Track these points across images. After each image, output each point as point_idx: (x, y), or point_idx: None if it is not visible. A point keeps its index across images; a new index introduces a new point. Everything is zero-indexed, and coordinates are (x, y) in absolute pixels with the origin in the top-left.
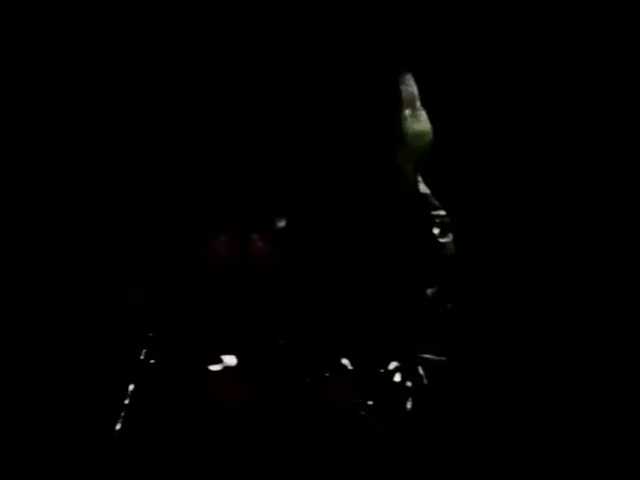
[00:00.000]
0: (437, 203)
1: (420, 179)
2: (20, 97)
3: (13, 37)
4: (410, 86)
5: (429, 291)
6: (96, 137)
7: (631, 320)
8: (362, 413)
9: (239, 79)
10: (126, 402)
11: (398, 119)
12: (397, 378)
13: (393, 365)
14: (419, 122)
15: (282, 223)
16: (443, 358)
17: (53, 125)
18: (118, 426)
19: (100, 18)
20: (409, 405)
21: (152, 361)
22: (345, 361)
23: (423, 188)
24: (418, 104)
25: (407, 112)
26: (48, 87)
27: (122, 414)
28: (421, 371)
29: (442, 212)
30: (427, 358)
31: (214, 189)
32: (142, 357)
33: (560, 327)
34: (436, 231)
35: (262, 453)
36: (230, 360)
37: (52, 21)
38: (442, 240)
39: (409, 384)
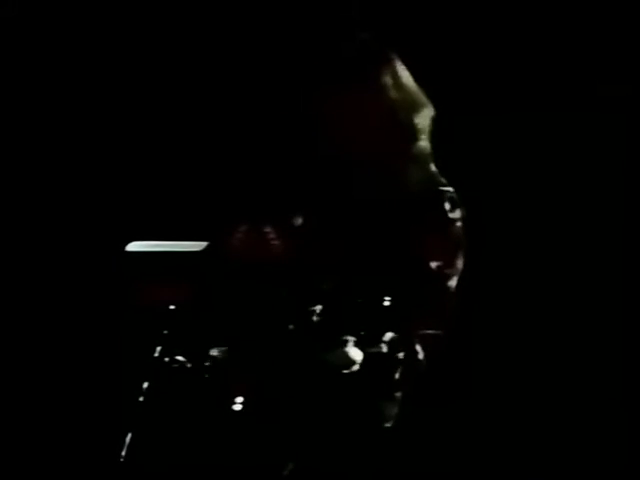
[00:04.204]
0: (445, 180)
1: (431, 158)
2: (20, 96)
3: (15, 35)
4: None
5: (435, 264)
6: (107, 137)
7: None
8: (352, 376)
9: (253, 81)
10: (140, 399)
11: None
12: (384, 349)
13: (389, 336)
14: (419, 100)
15: (298, 218)
16: (439, 332)
17: (54, 124)
18: (132, 423)
19: (101, 19)
20: (397, 375)
21: (166, 359)
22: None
23: (432, 167)
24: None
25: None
26: (49, 86)
27: (136, 411)
28: (417, 346)
29: (450, 189)
30: (425, 333)
31: (229, 187)
32: (157, 355)
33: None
34: (446, 206)
35: (262, 451)
36: None
37: (53, 20)
38: (451, 215)
39: (401, 356)
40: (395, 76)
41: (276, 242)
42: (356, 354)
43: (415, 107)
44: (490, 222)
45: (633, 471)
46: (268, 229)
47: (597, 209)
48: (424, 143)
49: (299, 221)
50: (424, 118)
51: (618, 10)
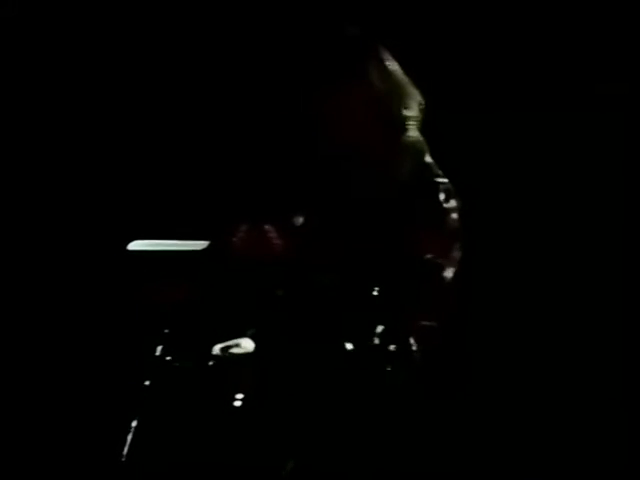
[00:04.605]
0: (440, 172)
1: (425, 149)
2: (21, 96)
3: (15, 35)
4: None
5: (431, 255)
6: (115, 136)
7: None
8: (349, 371)
9: (264, 87)
10: (142, 398)
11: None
12: (381, 343)
13: (385, 330)
14: (410, 95)
15: (299, 217)
16: (436, 324)
17: (55, 124)
18: (134, 423)
19: (101, 19)
20: (393, 368)
21: (167, 358)
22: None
23: (427, 158)
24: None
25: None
26: (49, 86)
27: (138, 410)
28: (412, 339)
29: (445, 180)
30: (421, 325)
31: (231, 186)
32: (158, 354)
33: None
34: (441, 197)
35: (264, 450)
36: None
37: (53, 20)
38: (446, 206)
39: (397, 349)
40: (383, 68)
41: (277, 241)
42: (351, 348)
43: (404, 98)
44: (487, 217)
45: (633, 471)
46: (269, 228)
47: (595, 204)
48: (415, 133)
49: (300, 220)
50: (414, 109)
51: (616, 9)
